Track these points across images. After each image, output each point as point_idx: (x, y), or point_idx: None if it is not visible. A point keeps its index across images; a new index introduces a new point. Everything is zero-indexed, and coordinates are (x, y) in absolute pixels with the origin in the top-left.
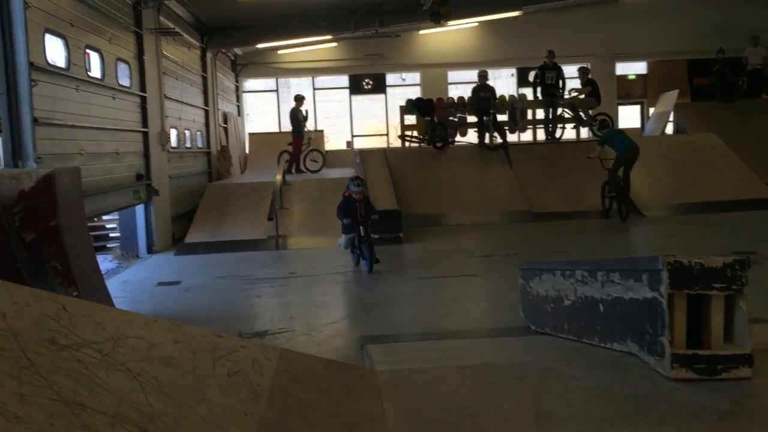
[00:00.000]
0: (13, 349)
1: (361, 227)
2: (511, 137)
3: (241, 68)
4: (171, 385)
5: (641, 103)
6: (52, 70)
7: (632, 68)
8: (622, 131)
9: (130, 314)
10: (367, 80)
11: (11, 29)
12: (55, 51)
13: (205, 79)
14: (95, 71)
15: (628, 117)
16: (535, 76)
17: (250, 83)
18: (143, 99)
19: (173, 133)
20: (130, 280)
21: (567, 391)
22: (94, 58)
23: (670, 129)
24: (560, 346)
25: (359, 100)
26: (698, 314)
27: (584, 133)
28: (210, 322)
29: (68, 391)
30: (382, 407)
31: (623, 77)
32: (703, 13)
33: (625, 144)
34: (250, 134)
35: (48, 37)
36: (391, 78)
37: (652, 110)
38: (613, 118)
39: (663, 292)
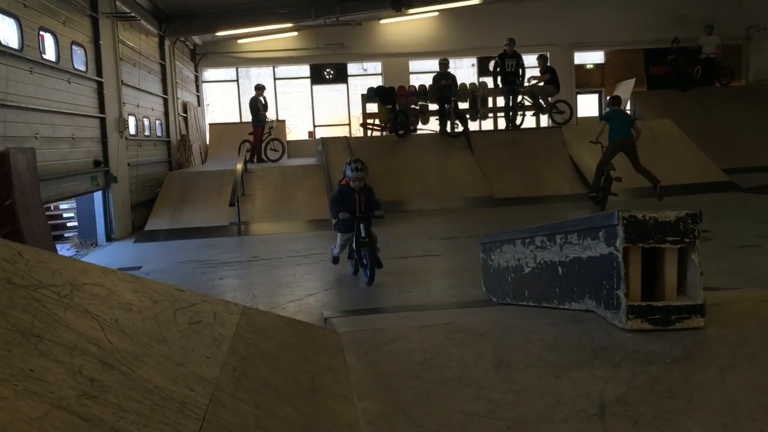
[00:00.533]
0: None
1: (361, 225)
2: (473, 125)
3: (201, 58)
4: (131, 327)
5: (599, 92)
6: (4, 51)
7: (590, 58)
8: (626, 117)
9: (87, 264)
10: (328, 70)
11: None
12: (7, 31)
13: (163, 67)
14: (50, 54)
15: (587, 105)
16: (495, 64)
17: (209, 73)
18: (100, 84)
19: (131, 121)
20: None
21: (527, 344)
22: (49, 41)
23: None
24: (521, 310)
25: (321, 89)
26: (653, 268)
27: (544, 120)
28: None
29: (25, 324)
30: (345, 361)
31: (581, 66)
32: (658, 3)
33: (618, 134)
34: (211, 124)
35: (0, 17)
36: (352, 68)
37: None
38: (572, 106)
39: (618, 246)
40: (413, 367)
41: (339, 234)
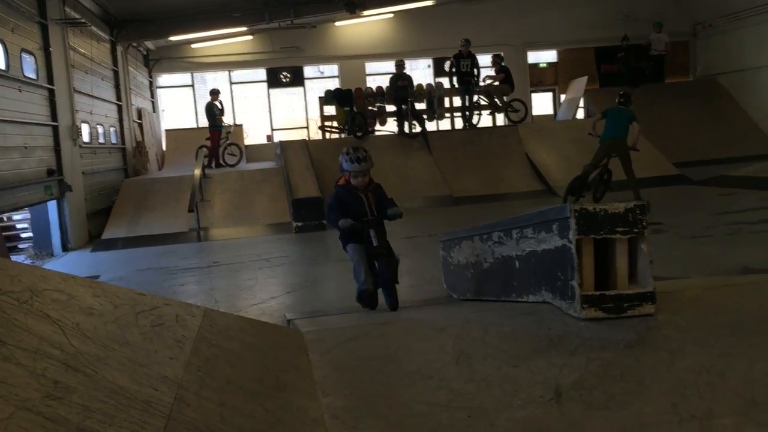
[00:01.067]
0: None
1: (371, 232)
2: (430, 125)
3: (155, 63)
4: (93, 330)
5: (553, 90)
6: None
7: (543, 57)
8: (625, 115)
9: (46, 270)
10: (284, 73)
11: None
12: None
13: (116, 73)
14: None
15: (541, 104)
16: (451, 65)
17: (164, 78)
18: (51, 92)
19: (85, 128)
20: None
21: (486, 336)
22: None
23: (581, 114)
24: (480, 306)
25: (278, 93)
26: (605, 258)
27: (500, 119)
28: None
29: None
30: (308, 359)
31: (535, 65)
32: (607, 2)
33: (611, 132)
34: (167, 130)
35: None
36: (309, 71)
37: (563, 97)
38: (527, 104)
39: (571, 238)
40: (375, 362)
41: (348, 246)
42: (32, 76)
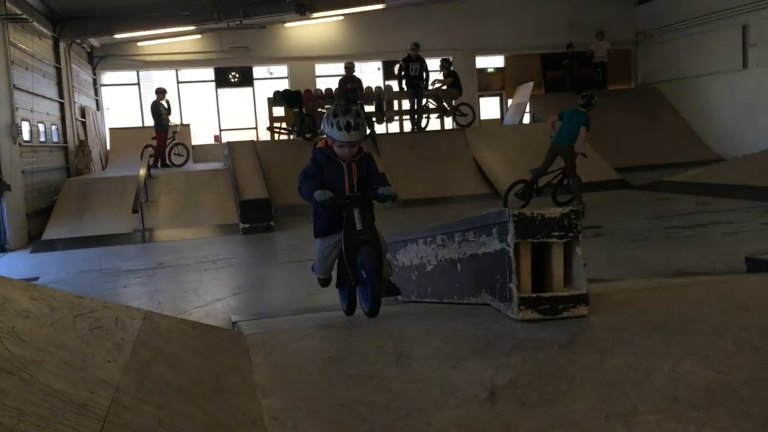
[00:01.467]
0: None
1: (355, 212)
2: (379, 127)
3: (99, 61)
4: (28, 334)
5: (500, 95)
6: None
7: (491, 62)
8: (578, 118)
9: None
10: (233, 73)
11: None
12: None
13: (59, 70)
14: None
15: (489, 108)
16: (400, 68)
17: (109, 76)
18: None
19: (25, 126)
20: None
21: (426, 337)
22: None
23: (527, 119)
24: (423, 308)
25: (226, 93)
26: (542, 261)
27: (448, 123)
28: None
29: None
30: (250, 361)
31: (483, 70)
32: (554, 10)
33: (557, 137)
34: (111, 129)
35: None
36: (258, 71)
37: (510, 101)
38: (474, 109)
39: (510, 242)
40: (317, 363)
41: (318, 240)
42: None
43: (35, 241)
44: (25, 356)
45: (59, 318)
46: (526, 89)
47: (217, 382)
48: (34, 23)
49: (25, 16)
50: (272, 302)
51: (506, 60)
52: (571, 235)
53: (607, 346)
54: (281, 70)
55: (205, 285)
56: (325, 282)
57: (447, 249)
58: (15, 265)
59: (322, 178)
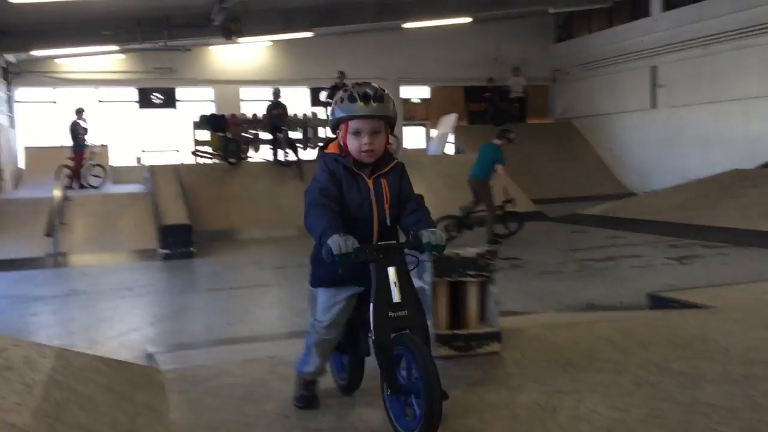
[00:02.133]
0: None
1: (392, 275)
2: (304, 154)
3: (14, 77)
4: None
5: (424, 125)
6: None
7: (417, 92)
8: (488, 152)
9: None
10: (156, 94)
11: None
12: None
13: None
14: None
15: (413, 138)
16: (327, 96)
17: (24, 93)
18: None
19: None
20: None
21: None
22: None
23: (450, 149)
24: None
25: (149, 114)
26: (458, 298)
27: None
28: None
29: None
30: (166, 399)
31: (408, 100)
32: (477, 45)
33: (472, 170)
34: (26, 148)
35: None
36: (182, 93)
37: (434, 132)
38: (398, 138)
39: (427, 280)
40: (235, 401)
41: (321, 290)
42: None
43: None
44: None
45: None
46: (449, 120)
47: (132, 422)
48: None
49: None
50: (191, 332)
51: (431, 91)
52: (486, 274)
53: (516, 384)
54: (207, 92)
55: (120, 313)
56: (311, 392)
57: None
58: None
59: (342, 202)
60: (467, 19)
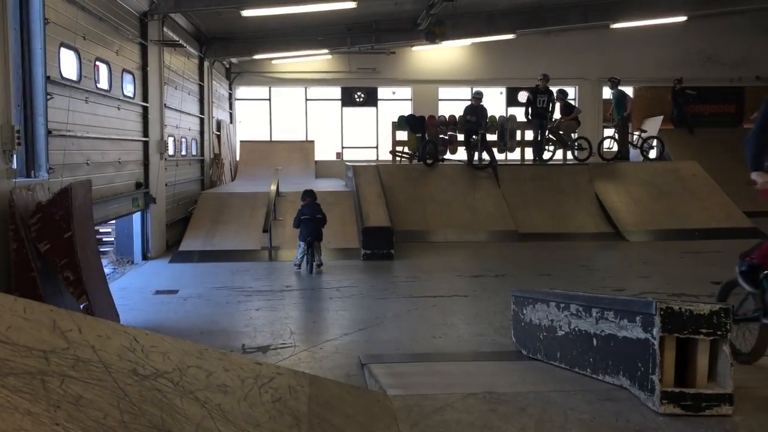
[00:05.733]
0: (108, 380)
1: None
2: (500, 156)
3: (236, 76)
4: (231, 412)
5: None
6: (65, 84)
7: None
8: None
9: (186, 344)
10: (359, 93)
11: (30, 44)
12: (68, 64)
13: (201, 87)
14: (103, 83)
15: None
16: (528, 100)
17: (242, 91)
18: (145, 109)
19: (170, 141)
20: (129, 287)
21: (566, 422)
22: (103, 70)
23: (652, 154)
24: (555, 374)
25: (350, 112)
26: (685, 353)
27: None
28: (213, 335)
29: (157, 419)
30: (398, 430)
31: (609, 101)
32: (689, 42)
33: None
34: (242, 142)
35: (63, 50)
36: (382, 92)
37: (636, 135)
38: (591, 143)
39: (655, 334)
40: None
41: None
42: (130, 94)
43: (172, 249)
44: None
45: (249, 391)
46: (655, 123)
47: None
48: (186, 46)
49: (180, 42)
50: (398, 341)
51: (635, 91)
52: (719, 333)
53: None
54: (405, 91)
55: (331, 315)
56: None
57: (582, 320)
58: (156, 274)
59: None
60: (682, 18)
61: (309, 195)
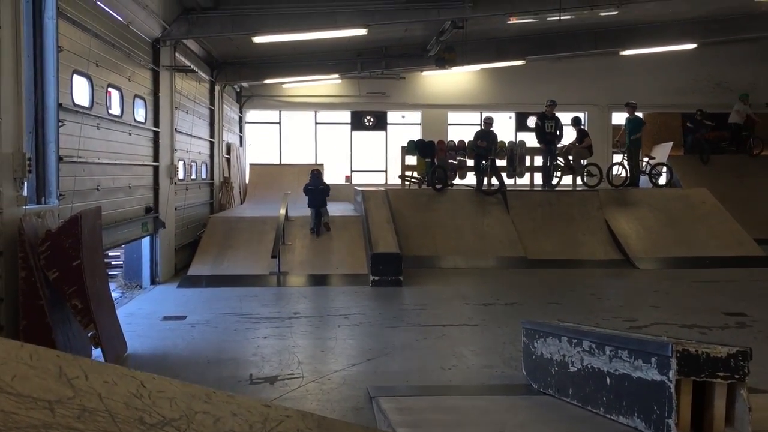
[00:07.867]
0: (114, 431)
1: None
2: (509, 181)
3: (246, 100)
4: None
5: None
6: (77, 110)
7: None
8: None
9: (193, 387)
10: (368, 117)
11: (43, 72)
12: (80, 91)
13: (212, 111)
14: (115, 109)
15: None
16: (536, 125)
17: (253, 114)
18: (156, 134)
19: (181, 165)
20: (136, 313)
21: None
22: (115, 96)
23: (662, 180)
24: (567, 412)
25: (360, 136)
26: (702, 396)
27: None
28: (221, 364)
29: None
30: None
31: (618, 127)
32: (698, 68)
33: None
34: (251, 165)
35: (75, 77)
36: (392, 116)
37: (645, 161)
38: (601, 169)
39: (671, 377)
40: None
41: None
42: (141, 120)
43: (181, 274)
44: None
45: None
46: (664, 149)
47: None
48: (198, 71)
49: (192, 68)
50: (406, 372)
51: (645, 117)
52: (736, 376)
53: None
54: (415, 116)
55: (339, 344)
56: None
57: (595, 358)
58: (164, 299)
59: None
60: (692, 45)
61: (314, 172)
